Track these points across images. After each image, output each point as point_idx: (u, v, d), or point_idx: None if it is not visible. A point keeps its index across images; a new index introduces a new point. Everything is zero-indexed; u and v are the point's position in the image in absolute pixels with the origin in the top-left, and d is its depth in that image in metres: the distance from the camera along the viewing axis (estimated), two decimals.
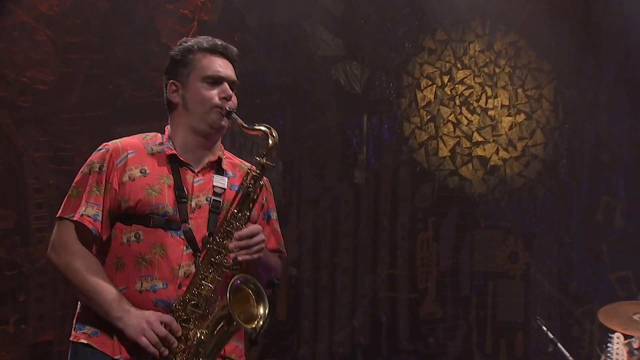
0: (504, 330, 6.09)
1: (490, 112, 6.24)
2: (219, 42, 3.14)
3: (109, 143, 3.07)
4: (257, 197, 2.99)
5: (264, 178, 3.08)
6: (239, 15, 5.88)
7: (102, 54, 5.63)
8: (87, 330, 2.94)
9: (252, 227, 2.93)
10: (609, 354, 4.78)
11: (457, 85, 6.22)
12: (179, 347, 2.87)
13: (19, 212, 5.45)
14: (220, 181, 3.07)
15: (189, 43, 3.13)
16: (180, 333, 2.88)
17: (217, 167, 3.10)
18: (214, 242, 2.92)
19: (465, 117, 6.21)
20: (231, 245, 2.89)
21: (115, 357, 2.90)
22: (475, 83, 6.24)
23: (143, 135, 3.14)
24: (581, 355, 6.01)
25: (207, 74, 3.06)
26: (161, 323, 2.85)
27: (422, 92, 6.19)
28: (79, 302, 3.03)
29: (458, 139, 6.19)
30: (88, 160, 3.05)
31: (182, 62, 3.10)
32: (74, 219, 2.93)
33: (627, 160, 6.33)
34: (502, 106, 6.26)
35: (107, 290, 2.88)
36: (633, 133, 6.35)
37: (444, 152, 6.16)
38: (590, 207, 6.29)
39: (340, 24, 6.07)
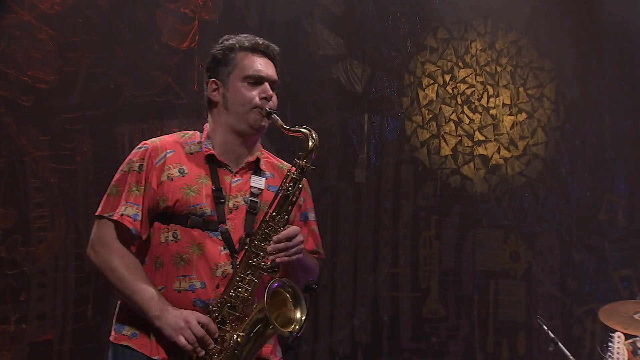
0: (506, 329, 6.08)
1: (492, 111, 6.24)
2: (260, 40, 3.12)
3: (148, 141, 3.07)
4: (296, 200, 2.98)
5: (303, 179, 3.08)
6: (239, 14, 5.88)
7: (103, 53, 5.62)
8: (127, 331, 2.96)
9: (290, 229, 2.91)
10: (609, 354, 4.77)
11: (458, 84, 6.22)
12: (216, 348, 2.87)
13: (20, 211, 5.44)
14: (258, 182, 3.06)
15: (231, 41, 3.11)
16: (217, 334, 2.87)
17: (255, 168, 3.09)
18: (252, 244, 2.91)
19: (467, 116, 6.21)
20: (269, 247, 2.87)
21: (154, 358, 2.90)
22: (477, 82, 6.23)
23: (182, 133, 3.14)
24: (582, 355, 6.01)
25: (248, 74, 3.04)
26: (199, 323, 2.84)
27: (423, 90, 6.18)
28: (118, 301, 3.04)
29: (460, 138, 6.19)
30: (127, 159, 3.04)
31: (224, 60, 3.08)
32: (114, 218, 2.94)
33: (629, 158, 6.32)
34: (504, 105, 6.26)
35: (145, 289, 2.88)
36: (635, 131, 6.34)
37: (446, 151, 6.16)
38: (592, 206, 6.28)
39: (341, 22, 6.07)
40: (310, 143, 2.97)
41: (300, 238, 2.91)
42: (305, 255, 3.03)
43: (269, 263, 2.89)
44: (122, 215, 2.93)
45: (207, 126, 3.12)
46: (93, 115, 5.57)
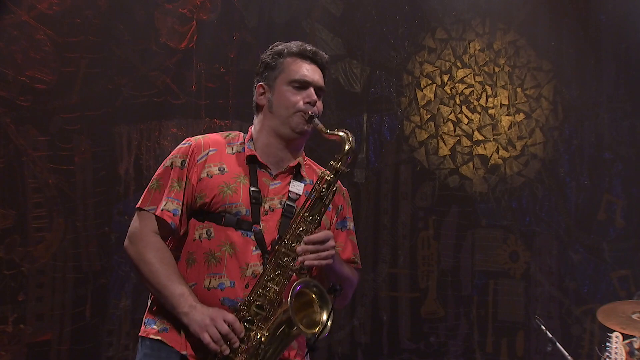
0: (505, 329, 6.08)
1: (491, 111, 6.24)
2: (309, 47, 3.14)
3: (192, 138, 3.09)
4: (329, 203, 2.97)
5: (343, 188, 3.11)
6: (238, 14, 5.87)
7: (101, 53, 5.62)
8: (158, 326, 2.97)
9: (323, 233, 2.91)
10: (608, 354, 4.77)
11: (457, 84, 6.22)
12: (241, 347, 2.87)
13: (18, 211, 5.43)
14: (297, 187, 3.06)
15: (280, 47, 3.14)
16: (243, 334, 2.87)
17: (295, 173, 3.10)
18: (283, 244, 2.91)
19: (466, 116, 6.21)
20: (299, 248, 2.87)
21: (182, 353, 2.91)
22: (476, 82, 6.23)
23: (225, 133, 3.16)
24: (581, 355, 6.01)
25: (293, 78, 3.06)
26: (224, 322, 2.85)
27: (422, 91, 6.18)
28: (150, 296, 3.05)
29: (458, 138, 6.19)
30: (171, 154, 3.07)
31: (272, 65, 3.11)
32: (155, 213, 2.97)
33: (627, 159, 6.33)
34: (502, 105, 6.26)
35: (176, 284, 2.90)
36: (633, 132, 6.35)
37: (445, 151, 6.16)
38: (590, 206, 6.28)
39: (340, 23, 6.07)
40: (346, 146, 2.97)
41: (332, 243, 2.90)
42: (342, 263, 3.04)
43: (298, 265, 2.89)
44: (162, 210, 2.96)
45: (252, 128, 3.14)
46: (91, 115, 5.56)
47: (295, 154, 3.11)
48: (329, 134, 3.01)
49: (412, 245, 6.07)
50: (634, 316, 4.84)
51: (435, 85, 6.20)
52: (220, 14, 5.84)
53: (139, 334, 3.04)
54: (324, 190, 2.94)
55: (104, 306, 5.43)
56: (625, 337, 4.87)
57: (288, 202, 3.02)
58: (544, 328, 5.04)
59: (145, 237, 2.97)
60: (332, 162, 2.97)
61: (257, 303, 2.89)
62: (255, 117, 3.16)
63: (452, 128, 6.19)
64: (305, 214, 2.93)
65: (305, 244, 2.87)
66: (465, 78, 6.24)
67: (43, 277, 5.43)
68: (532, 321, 5.83)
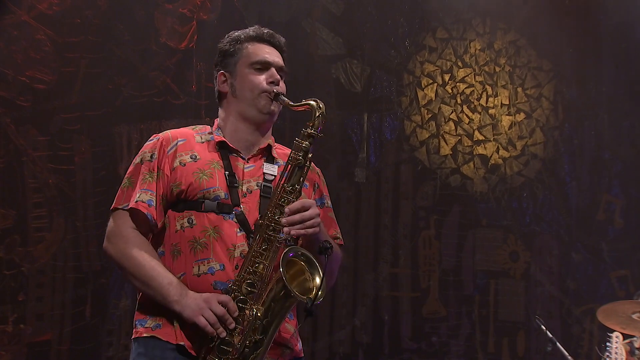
0: (506, 329, 6.08)
1: (491, 111, 6.24)
2: (265, 30, 3.15)
3: (159, 134, 3.07)
4: (307, 170, 2.94)
5: (315, 167, 3.09)
6: (238, 14, 5.87)
7: (101, 53, 5.62)
8: (150, 324, 2.93)
9: (304, 201, 2.88)
10: (608, 353, 4.77)
11: (458, 84, 6.22)
12: (237, 328, 2.84)
13: (18, 211, 5.43)
14: (271, 168, 3.05)
15: (237, 33, 3.15)
16: (237, 313, 2.84)
17: (267, 155, 3.09)
18: (266, 217, 2.88)
19: (467, 116, 6.21)
20: (283, 220, 2.84)
21: (180, 343, 2.87)
22: (476, 81, 6.24)
23: (192, 126, 3.14)
24: (580, 355, 6.01)
25: (254, 60, 3.07)
26: (219, 303, 2.82)
27: (422, 90, 6.19)
28: (137, 295, 3.02)
29: (459, 138, 6.19)
30: (139, 152, 3.04)
31: (230, 52, 3.11)
32: (129, 207, 2.93)
33: (627, 159, 6.33)
34: (502, 105, 6.26)
35: (163, 274, 2.87)
36: (633, 132, 6.35)
37: (446, 150, 6.16)
38: (590, 206, 6.29)
39: (340, 22, 6.07)
40: (317, 112, 2.95)
41: (315, 210, 2.86)
42: (327, 235, 3.01)
43: (284, 236, 2.86)
44: (137, 201, 2.92)
45: (217, 120, 3.13)
46: (91, 115, 5.56)
47: (265, 136, 3.10)
48: (295, 106, 3.00)
49: (413, 245, 6.06)
50: (634, 316, 4.85)
51: (436, 84, 6.20)
52: (221, 14, 5.84)
53: (132, 336, 3.00)
54: (300, 157, 2.91)
55: (104, 306, 5.43)
56: (625, 336, 4.87)
57: (265, 183, 3.00)
58: (544, 328, 5.05)
59: (124, 234, 2.92)
60: (304, 130, 2.95)
61: (248, 281, 2.86)
62: (219, 108, 3.14)
63: (453, 127, 6.19)
64: (284, 184, 2.90)
65: (288, 214, 2.84)
66: (466, 78, 6.24)
67: (43, 277, 5.42)
68: (533, 321, 5.83)
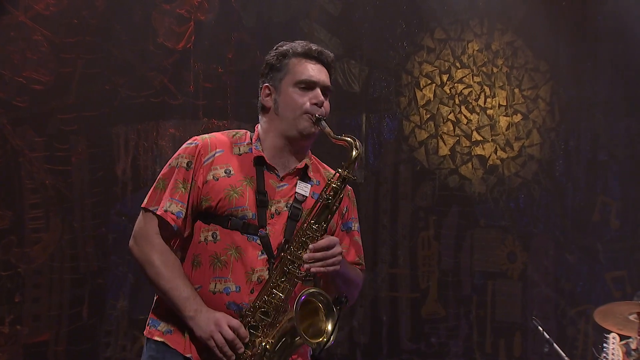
0: (503, 330, 6.09)
1: (489, 112, 6.25)
2: (314, 47, 3.12)
3: (199, 138, 3.05)
4: (336, 210, 2.95)
5: (349, 188, 3.08)
6: (236, 14, 5.87)
7: (98, 54, 5.60)
8: (162, 327, 2.96)
9: (329, 239, 2.89)
10: (605, 355, 4.78)
11: (456, 84, 6.23)
12: (245, 352, 2.86)
13: (15, 212, 5.41)
14: (304, 188, 3.04)
15: (284, 47, 3.10)
16: (247, 339, 2.86)
17: (302, 174, 3.08)
18: (288, 251, 2.89)
19: (465, 116, 6.22)
20: (305, 256, 2.86)
21: (187, 356, 2.91)
22: (474, 82, 6.24)
23: (232, 132, 3.12)
24: (576, 355, 6.03)
25: (299, 79, 3.04)
26: (229, 327, 2.84)
27: (421, 90, 6.19)
28: (155, 296, 3.04)
29: (458, 138, 6.20)
30: (176, 153, 3.03)
31: (277, 66, 3.07)
32: (157, 213, 2.94)
33: (623, 160, 6.35)
34: (500, 106, 6.27)
35: (182, 287, 2.88)
36: (629, 133, 6.37)
37: (444, 150, 6.17)
38: (586, 208, 6.31)
39: (338, 22, 6.07)
40: (353, 153, 2.96)
41: (338, 249, 2.88)
42: (347, 266, 3.02)
43: (304, 272, 2.87)
44: (165, 211, 2.93)
45: (258, 127, 3.11)
46: (88, 116, 5.55)
47: (302, 155, 3.09)
48: (336, 139, 2.99)
49: (412, 245, 6.07)
50: (631, 317, 4.85)
51: (434, 85, 6.20)
52: (218, 14, 5.83)
53: (144, 332, 3.04)
54: (330, 198, 2.91)
55: (102, 307, 5.42)
56: (622, 337, 4.88)
57: (294, 205, 2.99)
58: (540, 329, 5.05)
59: (149, 238, 2.94)
60: (339, 170, 2.96)
61: (263, 309, 2.88)
62: (260, 118, 3.13)
63: (451, 128, 6.20)
64: (311, 222, 2.90)
65: (312, 251, 2.85)
66: (464, 78, 6.25)
67: (40, 278, 5.41)
68: (529, 322, 5.83)
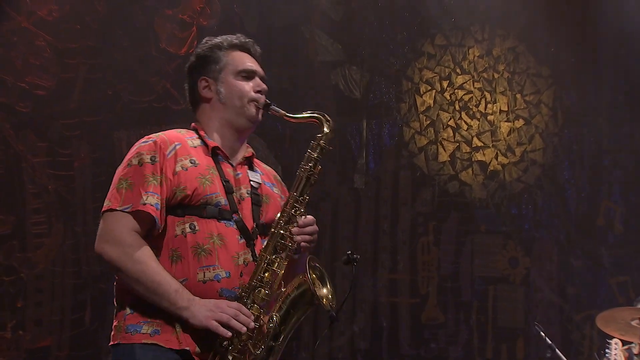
0: (505, 335, 6.08)
1: (490, 117, 6.25)
2: (244, 39, 3.19)
3: (152, 135, 3.00)
4: (315, 181, 3.03)
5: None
6: (238, 20, 5.88)
7: (101, 59, 5.63)
8: (146, 329, 2.87)
9: (311, 217, 3.00)
10: None
11: (456, 90, 6.22)
12: (253, 330, 2.86)
13: (17, 217, 5.43)
14: (255, 176, 3.10)
15: (216, 40, 3.16)
16: (252, 317, 2.85)
17: (249, 164, 3.14)
18: (278, 226, 2.95)
19: (465, 122, 6.22)
20: (295, 230, 2.94)
21: (185, 349, 2.85)
22: (475, 88, 6.24)
23: (178, 130, 3.11)
24: None
25: (241, 68, 3.10)
26: (229, 307, 2.83)
27: (421, 97, 6.19)
28: (119, 305, 2.98)
29: (458, 144, 6.19)
30: (133, 153, 2.95)
31: (212, 58, 3.12)
32: (138, 208, 2.86)
33: (626, 165, 6.33)
34: (501, 111, 6.27)
35: (169, 281, 2.83)
36: (632, 138, 6.35)
37: (444, 156, 6.16)
38: (589, 212, 6.29)
39: (340, 28, 6.08)
40: (325, 127, 3.06)
41: (316, 227, 3.00)
42: None
43: (295, 246, 2.94)
44: (145, 204, 2.85)
45: (196, 125, 3.12)
46: (91, 121, 5.57)
47: (245, 144, 3.15)
48: (296, 118, 3.09)
49: (411, 251, 6.06)
50: (633, 323, 4.84)
51: (434, 91, 6.20)
52: (220, 19, 5.85)
53: (118, 339, 2.93)
54: (311, 169, 3.00)
55: (104, 312, 5.40)
56: (624, 343, 4.87)
57: (253, 192, 3.05)
58: (543, 334, 5.04)
59: (125, 237, 2.85)
60: (313, 142, 3.03)
61: (258, 288, 2.88)
62: (197, 111, 3.14)
63: (451, 134, 6.20)
64: (295, 194, 2.97)
65: (301, 227, 2.94)
66: (464, 84, 6.24)
67: (42, 283, 5.43)
68: (532, 327, 5.82)
